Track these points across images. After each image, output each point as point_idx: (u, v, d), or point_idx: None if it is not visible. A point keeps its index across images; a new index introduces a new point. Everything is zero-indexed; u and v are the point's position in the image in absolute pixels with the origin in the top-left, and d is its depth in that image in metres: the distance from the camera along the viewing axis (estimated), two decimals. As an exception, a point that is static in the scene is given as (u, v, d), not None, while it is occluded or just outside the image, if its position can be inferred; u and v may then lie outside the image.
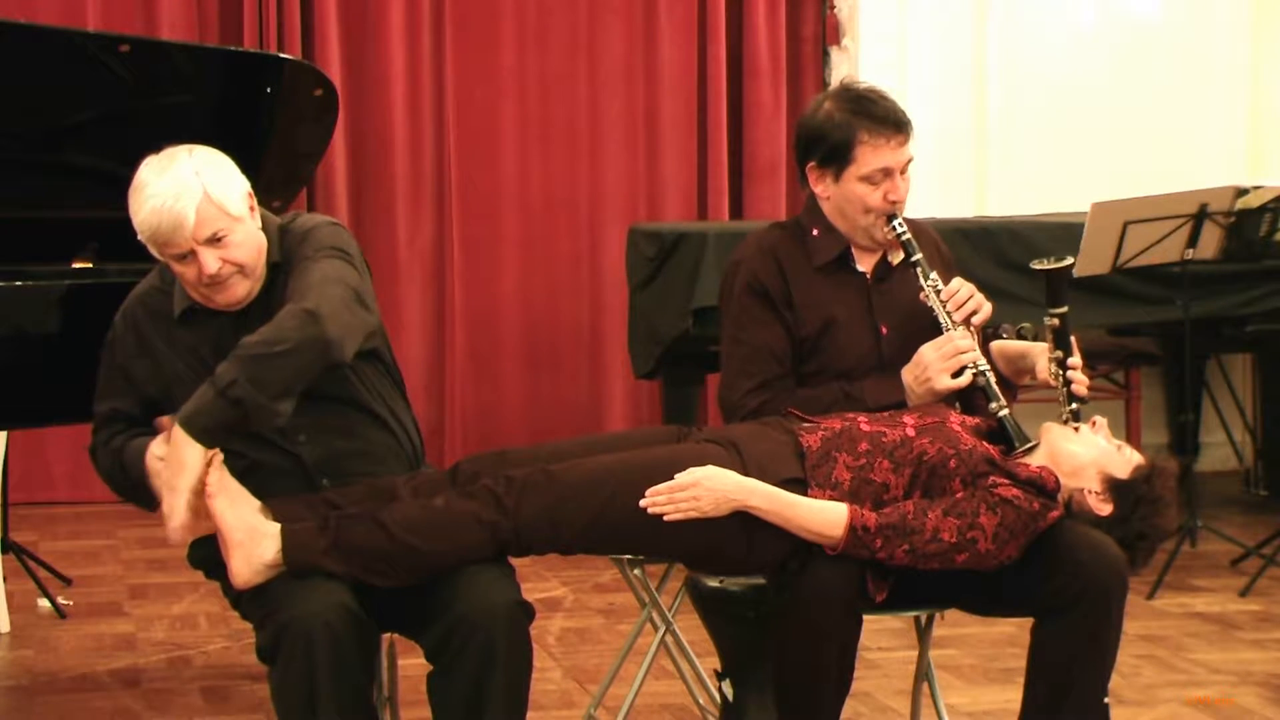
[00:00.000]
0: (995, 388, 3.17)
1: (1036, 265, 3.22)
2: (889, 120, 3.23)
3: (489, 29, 6.98)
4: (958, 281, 3.27)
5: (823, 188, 3.30)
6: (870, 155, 3.22)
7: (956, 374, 3.18)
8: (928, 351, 3.20)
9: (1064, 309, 3.18)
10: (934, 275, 3.25)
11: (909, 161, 3.27)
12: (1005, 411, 3.15)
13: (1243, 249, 5.42)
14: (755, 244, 3.36)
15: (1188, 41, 7.41)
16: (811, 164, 3.30)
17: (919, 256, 3.25)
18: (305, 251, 3.00)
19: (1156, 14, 7.41)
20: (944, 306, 3.22)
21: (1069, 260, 3.24)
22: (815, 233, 3.33)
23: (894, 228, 3.25)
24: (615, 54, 7.10)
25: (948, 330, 3.20)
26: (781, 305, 3.28)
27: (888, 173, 3.23)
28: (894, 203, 3.24)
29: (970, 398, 3.25)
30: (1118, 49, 7.35)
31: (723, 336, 3.37)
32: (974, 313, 3.24)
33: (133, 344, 3.08)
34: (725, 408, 3.32)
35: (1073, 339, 3.20)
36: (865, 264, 3.33)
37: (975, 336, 3.22)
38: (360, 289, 2.98)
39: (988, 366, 3.19)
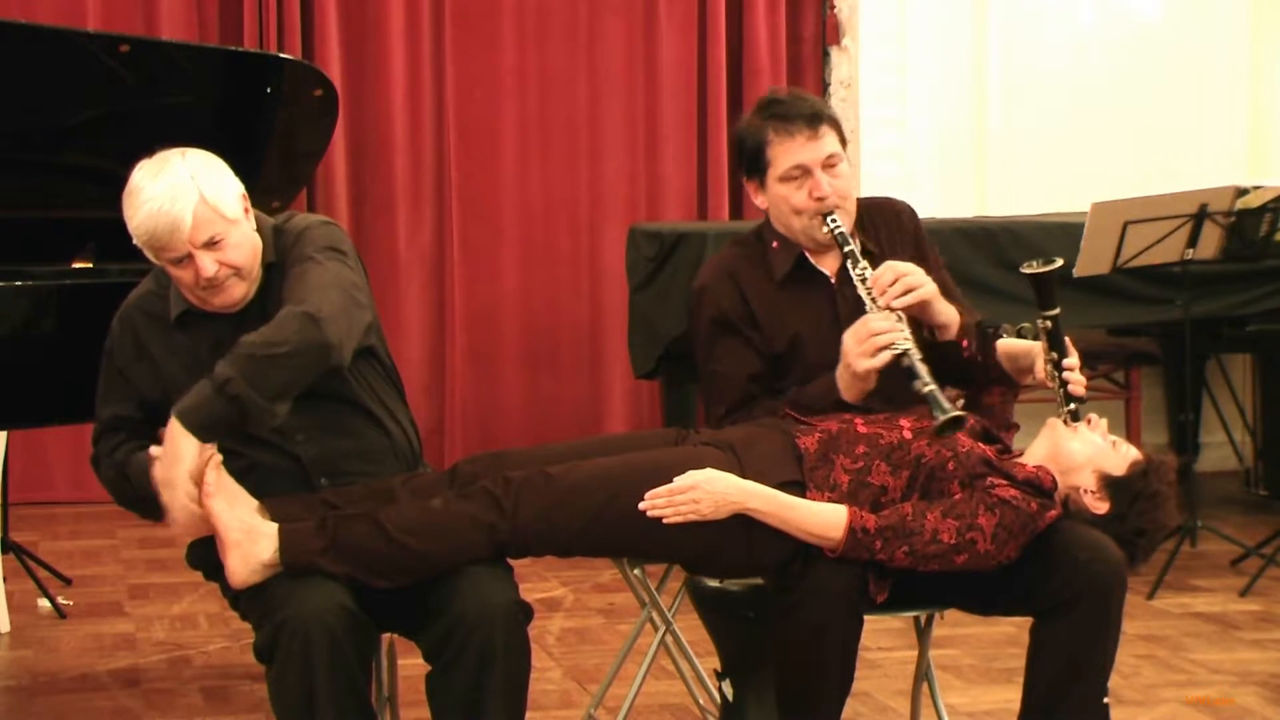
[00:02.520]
0: (919, 366, 3.04)
1: (1025, 269, 3.20)
2: (795, 116, 3.19)
3: (489, 29, 6.98)
4: (884, 266, 3.17)
5: (760, 199, 3.29)
6: (781, 154, 3.20)
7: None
8: (846, 337, 3.13)
9: (1055, 311, 3.15)
10: (863, 264, 3.16)
11: (833, 156, 3.21)
12: (929, 389, 3.03)
13: (1243, 249, 5.42)
14: (714, 268, 3.33)
15: (1188, 41, 7.41)
16: (745, 178, 3.29)
17: (851, 248, 3.18)
18: (302, 251, 3.00)
19: (1156, 14, 7.40)
20: (866, 288, 3.14)
21: (1057, 262, 3.20)
22: (775, 245, 3.30)
23: (828, 224, 3.20)
24: (615, 54, 7.10)
25: (869, 313, 3.13)
26: (747, 328, 3.26)
27: (805, 169, 3.19)
28: (820, 199, 3.19)
29: (902, 380, 3.11)
30: (1118, 49, 7.35)
31: (698, 362, 3.35)
32: (906, 293, 3.13)
33: (130, 348, 3.08)
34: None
35: (1067, 340, 3.18)
36: (829, 265, 3.28)
37: (901, 318, 3.10)
38: (357, 289, 2.99)
39: (910, 345, 3.06)
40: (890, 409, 3.15)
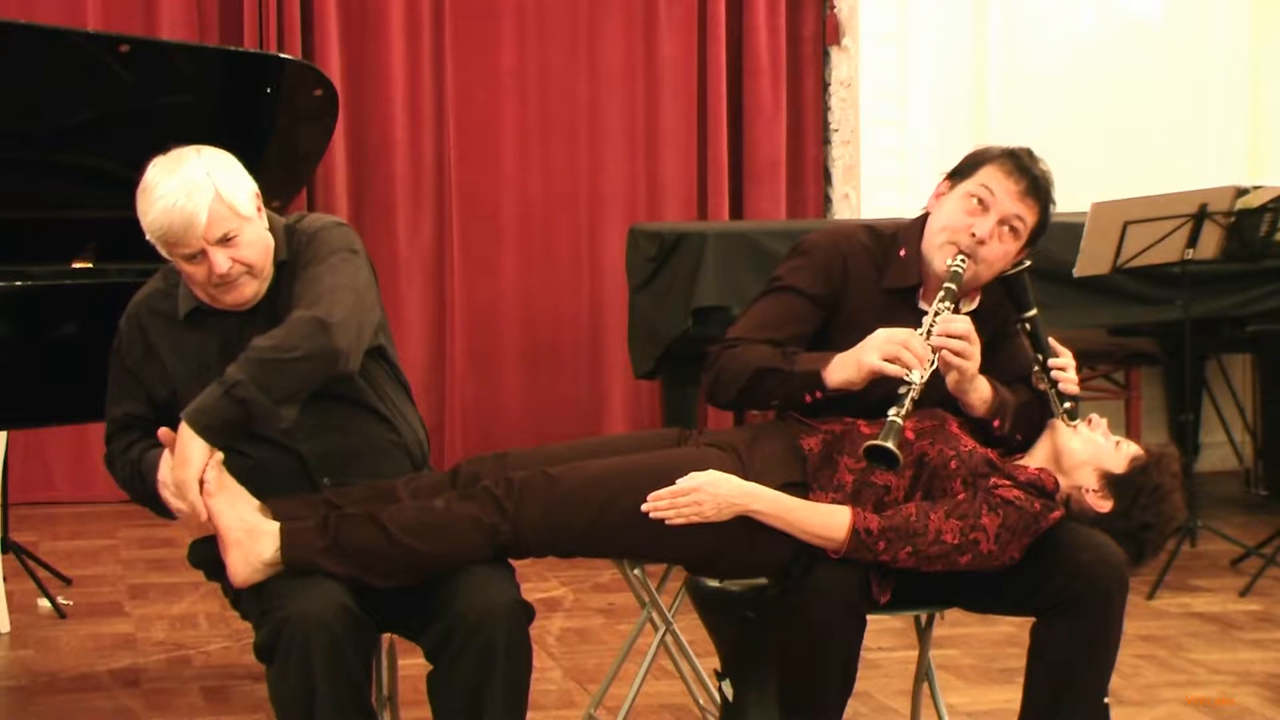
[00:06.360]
0: (906, 401, 2.98)
1: None
2: (1027, 172, 3.17)
3: (489, 29, 6.98)
4: (965, 320, 3.10)
5: (935, 201, 3.22)
6: (989, 177, 3.15)
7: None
8: (881, 330, 3.07)
9: (1032, 312, 3.14)
10: (950, 307, 3.09)
11: (1018, 221, 3.15)
12: (895, 421, 2.96)
13: (1243, 249, 5.42)
14: (831, 242, 3.24)
15: (1188, 41, 7.41)
16: (947, 177, 3.23)
17: (953, 288, 3.10)
18: (316, 252, 3.00)
19: (1156, 14, 7.41)
20: (933, 320, 3.08)
21: (1026, 263, 3.20)
22: (903, 253, 3.22)
23: (954, 261, 3.11)
24: (615, 54, 7.10)
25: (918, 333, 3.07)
26: (819, 304, 3.20)
27: (989, 205, 3.13)
28: (974, 237, 3.11)
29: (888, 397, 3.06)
30: (1118, 49, 7.35)
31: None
32: (955, 353, 3.05)
33: (139, 347, 3.08)
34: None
35: (1052, 340, 3.17)
36: (930, 306, 3.17)
37: (934, 362, 3.04)
38: (367, 290, 3.00)
39: (918, 384, 3.00)
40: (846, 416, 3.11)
